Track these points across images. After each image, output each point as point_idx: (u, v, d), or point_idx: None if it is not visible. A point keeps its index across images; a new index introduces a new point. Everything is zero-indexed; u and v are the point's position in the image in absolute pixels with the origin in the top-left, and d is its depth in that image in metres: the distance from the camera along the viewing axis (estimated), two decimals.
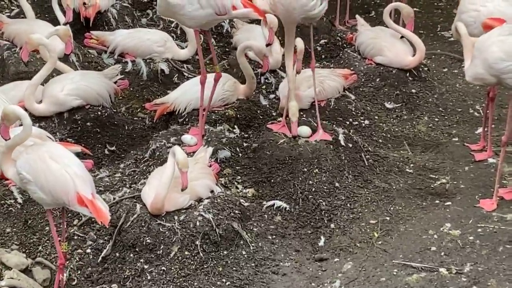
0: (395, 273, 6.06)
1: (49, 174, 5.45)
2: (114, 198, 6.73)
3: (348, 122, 8.18)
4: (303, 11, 7.07)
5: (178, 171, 6.29)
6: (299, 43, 7.51)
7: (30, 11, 9.24)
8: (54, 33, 8.09)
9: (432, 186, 7.30)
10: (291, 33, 7.24)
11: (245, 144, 7.52)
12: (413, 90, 8.84)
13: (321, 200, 6.95)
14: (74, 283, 6.28)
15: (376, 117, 8.45)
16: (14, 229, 6.60)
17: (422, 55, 8.80)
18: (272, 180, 7.13)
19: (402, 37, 8.93)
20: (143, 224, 6.33)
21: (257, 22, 9.33)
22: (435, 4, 11.57)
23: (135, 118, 8.28)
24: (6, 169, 5.69)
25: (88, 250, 6.42)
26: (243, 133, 7.77)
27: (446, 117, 8.62)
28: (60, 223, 5.93)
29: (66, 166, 5.50)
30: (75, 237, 6.48)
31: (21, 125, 5.80)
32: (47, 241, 6.44)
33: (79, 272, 6.32)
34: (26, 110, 7.12)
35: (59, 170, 5.47)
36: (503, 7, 7.49)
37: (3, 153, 5.70)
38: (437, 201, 7.02)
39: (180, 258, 6.23)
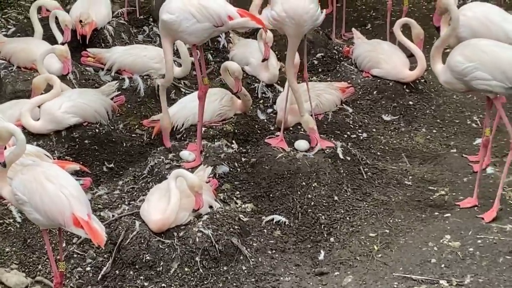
0: (395, 286, 6.05)
1: (44, 195, 5.41)
2: (113, 215, 6.73)
3: (346, 135, 8.19)
4: (311, 22, 7.13)
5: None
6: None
7: (39, 28, 9.22)
8: (50, 51, 8.12)
9: (431, 198, 7.29)
10: (296, 46, 7.28)
11: (243, 159, 7.51)
12: (411, 102, 8.85)
13: (320, 214, 6.95)
14: None
15: (374, 130, 8.46)
16: (14, 248, 6.59)
17: (421, 71, 8.84)
18: (271, 195, 7.12)
19: (411, 55, 8.94)
20: (142, 241, 6.32)
21: (254, 37, 9.34)
22: (431, 16, 11.56)
23: (133, 135, 8.28)
24: (1, 187, 5.64)
25: (88, 268, 6.41)
26: (241, 148, 7.77)
27: (444, 129, 8.63)
28: (58, 241, 5.91)
29: (62, 187, 5.46)
30: (75, 255, 6.48)
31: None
32: (47, 260, 6.43)
33: None
34: (23, 128, 7.18)
35: (54, 191, 5.43)
36: (487, 12, 7.60)
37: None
38: (436, 213, 7.01)
39: (180, 274, 6.22)
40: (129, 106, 8.59)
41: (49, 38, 9.11)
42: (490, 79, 6.50)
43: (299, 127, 7.97)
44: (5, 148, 5.68)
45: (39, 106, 7.69)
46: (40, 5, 9.34)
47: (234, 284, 6.28)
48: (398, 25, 8.92)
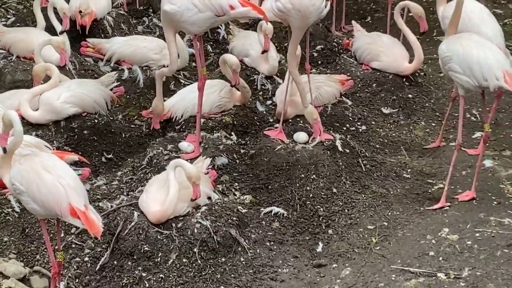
0: (393, 279, 6.05)
1: (41, 185, 5.41)
2: (111, 206, 6.73)
3: (345, 128, 8.19)
4: (317, 14, 7.13)
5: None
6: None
7: (41, 21, 9.20)
8: (47, 42, 8.11)
9: (429, 191, 7.30)
10: (298, 39, 7.27)
11: (242, 151, 7.51)
12: (410, 95, 8.85)
13: (318, 206, 6.95)
14: None
15: (373, 123, 8.45)
16: (12, 238, 6.59)
17: (418, 64, 8.82)
18: (270, 187, 7.12)
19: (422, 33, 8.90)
20: (140, 232, 6.33)
21: (253, 29, 9.33)
22: (431, 9, 11.53)
23: (132, 126, 8.29)
24: (3, 173, 5.64)
25: (86, 258, 6.41)
26: (240, 139, 7.77)
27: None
28: (56, 231, 5.91)
29: (59, 177, 5.45)
30: (73, 246, 6.48)
31: None
32: (45, 250, 6.43)
33: (77, 280, 6.31)
34: (22, 118, 7.17)
35: (52, 181, 5.42)
36: (470, 10, 7.70)
37: (2, 158, 5.65)
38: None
39: (178, 265, 6.23)
40: (128, 97, 8.58)
41: (49, 28, 9.10)
42: (461, 73, 6.58)
43: (298, 119, 7.97)
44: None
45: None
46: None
47: (232, 275, 6.28)
48: (398, 9, 8.83)
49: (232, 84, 7.84)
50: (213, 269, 6.27)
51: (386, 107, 8.71)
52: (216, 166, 7.21)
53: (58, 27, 8.79)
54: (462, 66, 6.57)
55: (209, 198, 6.71)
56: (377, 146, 8.12)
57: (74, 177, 5.61)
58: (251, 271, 6.36)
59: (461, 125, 6.81)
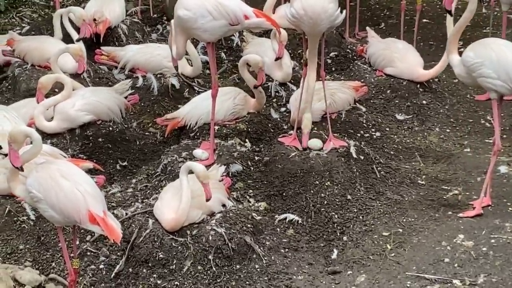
0: (408, 285, 6.04)
1: (60, 192, 5.41)
2: (126, 214, 6.73)
3: (359, 134, 8.18)
4: (329, 22, 7.11)
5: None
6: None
7: (59, 33, 9.21)
8: (64, 50, 8.13)
9: (444, 197, 7.28)
10: (315, 45, 7.26)
11: (256, 158, 7.51)
12: (424, 102, 8.84)
13: (333, 213, 6.94)
14: None
15: (387, 129, 8.44)
16: (27, 246, 6.60)
17: (437, 72, 8.77)
18: (284, 194, 7.12)
19: None
20: (155, 239, 6.33)
21: (267, 35, 9.34)
22: (445, 15, 11.55)
23: (146, 133, 8.30)
24: (14, 186, 5.67)
25: (101, 266, 6.42)
26: (254, 146, 7.76)
27: (457, 128, 8.61)
28: (72, 239, 5.92)
29: (77, 184, 5.46)
30: (88, 253, 6.49)
31: (31, 142, 5.78)
32: (60, 258, 6.44)
33: None
34: (37, 129, 7.19)
35: (70, 188, 5.43)
36: None
37: (11, 170, 5.68)
38: (449, 212, 6.99)
39: (193, 273, 6.23)
40: (142, 104, 8.60)
41: (64, 36, 9.13)
42: (495, 78, 6.52)
43: (312, 125, 7.96)
44: None
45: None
46: (62, 13, 9.25)
47: (247, 282, 6.28)
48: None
49: (258, 84, 7.81)
50: (228, 276, 6.27)
51: (400, 113, 8.70)
52: (230, 173, 7.21)
53: (75, 35, 8.83)
54: (497, 71, 6.50)
55: (224, 205, 6.71)
56: (392, 152, 8.11)
57: (92, 183, 5.62)
58: (266, 278, 6.35)
59: (497, 127, 6.72)
